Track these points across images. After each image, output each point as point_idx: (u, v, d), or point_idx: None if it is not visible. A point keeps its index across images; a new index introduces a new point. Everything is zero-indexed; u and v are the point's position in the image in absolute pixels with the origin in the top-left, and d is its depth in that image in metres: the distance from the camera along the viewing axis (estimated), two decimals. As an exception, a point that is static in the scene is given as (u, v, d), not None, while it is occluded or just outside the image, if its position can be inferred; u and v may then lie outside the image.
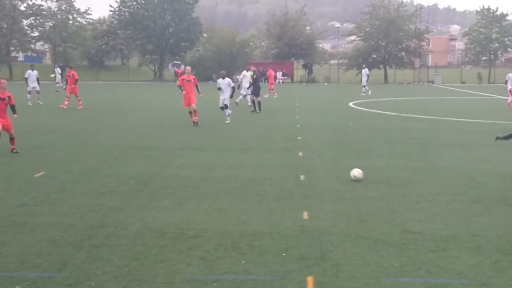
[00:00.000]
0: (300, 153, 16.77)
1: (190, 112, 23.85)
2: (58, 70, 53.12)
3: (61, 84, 51.51)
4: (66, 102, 31.94)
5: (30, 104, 34.90)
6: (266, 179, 13.05)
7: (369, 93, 46.81)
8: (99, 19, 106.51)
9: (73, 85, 32.29)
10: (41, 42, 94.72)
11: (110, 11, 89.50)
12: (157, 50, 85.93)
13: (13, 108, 16.75)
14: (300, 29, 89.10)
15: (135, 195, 11.51)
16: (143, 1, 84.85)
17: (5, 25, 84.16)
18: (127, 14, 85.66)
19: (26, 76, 36.53)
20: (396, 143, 18.89)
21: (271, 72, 48.42)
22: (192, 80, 24.03)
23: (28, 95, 35.91)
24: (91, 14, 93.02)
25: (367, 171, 13.24)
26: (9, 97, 16.52)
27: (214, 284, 6.94)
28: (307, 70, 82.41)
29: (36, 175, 13.34)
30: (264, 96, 44.38)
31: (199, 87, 24.32)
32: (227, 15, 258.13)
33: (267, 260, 7.72)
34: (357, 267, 7.47)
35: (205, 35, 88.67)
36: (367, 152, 17.15)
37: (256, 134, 21.24)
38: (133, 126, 23.41)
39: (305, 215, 9.98)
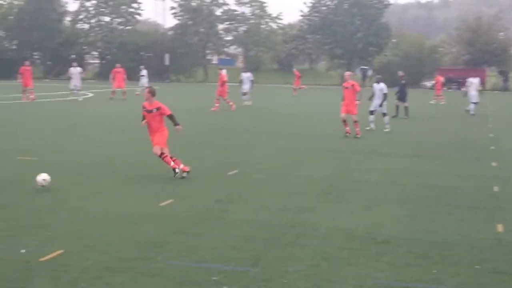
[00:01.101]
0: (494, 164, 16.12)
1: (345, 121, 21.37)
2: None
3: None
4: (216, 105, 32.72)
5: (248, 104, 36.51)
6: (457, 188, 12.71)
7: None
8: (289, 24, 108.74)
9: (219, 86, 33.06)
10: (234, 46, 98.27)
11: (301, 15, 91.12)
12: (345, 55, 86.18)
13: (172, 118, 13.41)
14: (493, 35, 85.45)
15: (324, 197, 11.67)
16: (333, 6, 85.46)
17: (202, 29, 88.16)
18: (317, 19, 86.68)
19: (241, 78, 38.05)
20: None
21: (439, 78, 46.94)
22: (351, 86, 21.62)
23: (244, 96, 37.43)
24: (282, 19, 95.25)
25: None
26: (158, 108, 13.35)
27: (404, 290, 6.89)
28: (503, 78, 78.82)
29: (230, 173, 13.90)
30: (430, 102, 43.39)
31: (358, 94, 21.74)
32: (416, 20, 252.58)
33: (459, 272, 7.53)
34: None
35: (393, 40, 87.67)
36: None
37: (446, 141, 20.70)
38: (317, 130, 23.62)
39: (500, 227, 9.60)
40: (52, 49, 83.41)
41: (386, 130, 23.54)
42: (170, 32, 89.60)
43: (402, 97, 30.33)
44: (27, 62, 39.44)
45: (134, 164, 15.08)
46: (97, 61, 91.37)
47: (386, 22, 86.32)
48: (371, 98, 24.27)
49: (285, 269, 7.47)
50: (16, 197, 11.15)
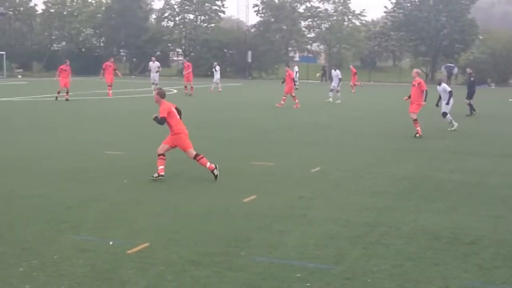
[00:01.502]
0: None
1: (415, 120, 20.69)
2: (296, 68, 55.03)
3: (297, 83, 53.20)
4: (282, 102, 32.69)
5: (338, 101, 36.54)
6: (547, 189, 12.32)
7: None
8: (373, 20, 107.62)
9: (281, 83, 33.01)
10: (317, 43, 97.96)
11: (385, 12, 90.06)
12: (430, 52, 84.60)
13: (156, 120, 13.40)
14: None
15: (408, 196, 11.52)
16: (418, 3, 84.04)
17: (285, 27, 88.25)
18: (401, 15, 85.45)
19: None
20: None
21: None
22: (417, 84, 20.87)
23: (330, 93, 37.44)
24: (365, 16, 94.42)
25: None
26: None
27: (492, 293, 6.74)
28: None
29: (313, 170, 13.90)
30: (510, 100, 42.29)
31: (424, 94, 20.95)
32: (504, 16, 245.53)
33: (551, 275, 7.31)
34: None
35: (480, 37, 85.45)
36: None
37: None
38: (398, 128, 23.28)
39: None
40: (138, 46, 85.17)
41: (451, 129, 22.86)
42: (252, 30, 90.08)
43: (471, 94, 29.75)
44: (111, 59, 40.62)
45: (217, 160, 15.24)
46: (181, 58, 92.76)
47: (473, 18, 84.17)
48: (438, 103, 23.94)
49: (369, 268, 7.42)
50: (105, 190, 11.46)
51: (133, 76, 77.49)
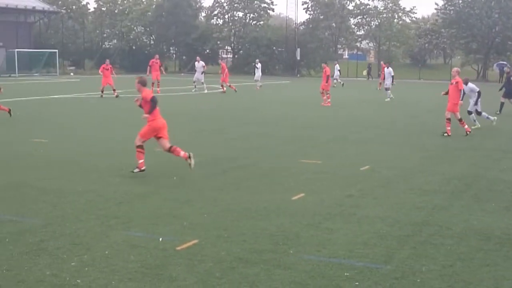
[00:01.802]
0: None
1: (449, 119, 20.40)
2: (337, 66, 54.53)
3: (339, 80, 52.77)
4: (328, 100, 32.56)
5: (387, 100, 36.38)
6: None
7: None
8: (423, 17, 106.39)
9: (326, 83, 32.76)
10: (366, 41, 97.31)
11: (435, 9, 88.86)
12: (482, 50, 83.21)
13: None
14: None
15: (459, 195, 11.37)
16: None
17: (334, 24, 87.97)
18: (452, 12, 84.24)
19: None
20: None
21: None
22: (455, 83, 20.55)
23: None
24: (415, 13, 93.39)
25: None
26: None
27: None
28: None
29: (362, 168, 13.82)
30: None
31: (462, 93, 20.56)
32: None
33: None
34: None
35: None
36: None
37: None
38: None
39: None
40: (187, 44, 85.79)
41: (474, 126, 22.32)
42: (301, 27, 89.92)
43: (508, 93, 29.18)
44: (156, 56, 41.17)
45: (267, 157, 15.29)
46: (230, 55, 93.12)
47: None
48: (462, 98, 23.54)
49: (418, 268, 7.35)
50: (155, 187, 11.59)
51: (182, 74, 78.07)
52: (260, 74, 47.62)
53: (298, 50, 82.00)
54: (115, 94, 34.88)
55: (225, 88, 41.20)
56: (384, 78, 46.88)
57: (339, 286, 6.77)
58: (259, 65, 47.84)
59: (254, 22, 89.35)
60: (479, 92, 22.89)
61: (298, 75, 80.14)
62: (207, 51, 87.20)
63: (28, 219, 9.18)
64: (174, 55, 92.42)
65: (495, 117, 23.35)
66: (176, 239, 8.29)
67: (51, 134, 18.93)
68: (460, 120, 20.60)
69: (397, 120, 25.42)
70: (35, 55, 68.92)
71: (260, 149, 16.66)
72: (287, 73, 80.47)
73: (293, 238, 8.42)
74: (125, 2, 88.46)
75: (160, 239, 8.25)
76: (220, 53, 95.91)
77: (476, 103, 22.93)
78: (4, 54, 66.19)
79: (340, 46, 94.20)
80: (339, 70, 54.69)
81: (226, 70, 42.45)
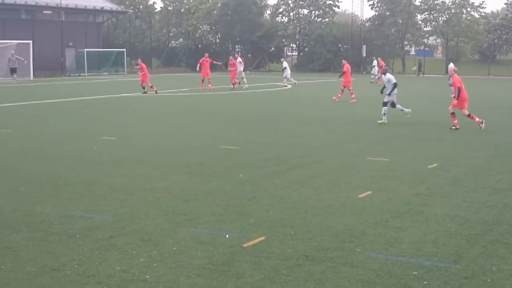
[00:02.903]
0: None
1: (453, 113, 20.80)
2: (375, 62, 53.32)
3: (377, 76, 51.67)
4: (339, 95, 32.90)
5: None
6: None
7: None
8: (492, 12, 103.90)
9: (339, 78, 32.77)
10: (434, 36, 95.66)
11: (505, 4, 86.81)
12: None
13: None
14: None
15: (531, 194, 11.09)
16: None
17: (400, 20, 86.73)
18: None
19: None
20: None
21: None
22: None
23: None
24: (485, 8, 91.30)
25: None
26: None
27: None
28: None
29: (430, 166, 13.61)
30: None
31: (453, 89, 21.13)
32: None
33: None
34: None
35: None
36: None
37: None
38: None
39: None
40: (252, 42, 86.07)
41: (380, 121, 22.21)
42: (367, 24, 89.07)
43: None
44: (206, 54, 43.21)
45: (332, 155, 15.21)
46: (295, 53, 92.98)
47: None
48: (382, 90, 23.19)
49: (489, 267, 7.20)
50: (221, 184, 11.67)
51: (247, 72, 78.34)
52: (289, 72, 47.63)
53: (364, 47, 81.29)
54: (145, 91, 36.36)
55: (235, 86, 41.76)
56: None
57: (407, 285, 6.68)
58: (285, 64, 48.23)
59: (319, 19, 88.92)
60: (395, 84, 22.50)
61: (364, 72, 79.43)
62: (272, 49, 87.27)
63: (98, 216, 9.37)
64: (239, 53, 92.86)
65: (410, 109, 22.88)
66: (243, 236, 8.34)
67: (119, 131, 19.27)
68: (469, 115, 20.73)
69: (464, 117, 24.91)
70: (104, 54, 70.28)
71: (325, 146, 16.59)
72: (352, 70, 79.67)
73: (360, 236, 8.35)
74: (191, 1, 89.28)
75: (227, 236, 8.31)
76: (285, 51, 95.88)
77: (389, 94, 22.51)
78: (74, 54, 67.74)
79: (406, 42, 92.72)
80: (375, 66, 53.23)
81: (236, 67, 42.55)
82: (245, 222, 9.03)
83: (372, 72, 51.98)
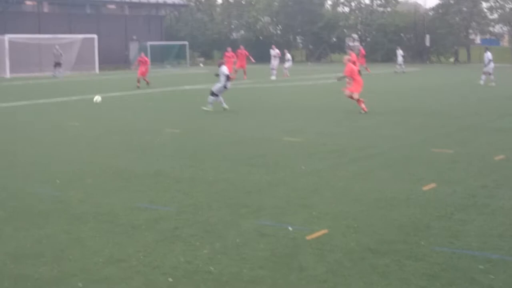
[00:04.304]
0: None
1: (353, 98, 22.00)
2: (400, 52, 51.90)
3: (403, 66, 50.35)
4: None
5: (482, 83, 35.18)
6: None
7: None
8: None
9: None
10: (500, 25, 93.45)
11: None
12: None
13: None
14: None
15: None
16: None
17: (465, 9, 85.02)
18: None
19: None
20: None
21: None
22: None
23: (483, 76, 36.08)
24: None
25: None
26: None
27: None
28: None
29: (496, 158, 13.32)
30: None
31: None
32: None
33: None
34: None
35: None
36: None
37: None
38: None
39: None
40: (314, 33, 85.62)
41: (205, 108, 22.57)
42: (430, 13, 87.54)
43: None
44: (240, 46, 44.31)
45: (396, 146, 15.05)
46: (357, 43, 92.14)
47: None
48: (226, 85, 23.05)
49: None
50: (283, 176, 11.68)
51: (309, 63, 78.05)
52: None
53: (428, 36, 79.94)
54: (138, 85, 35.44)
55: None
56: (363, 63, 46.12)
57: (474, 279, 6.58)
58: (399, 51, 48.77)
59: (381, 9, 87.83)
60: (227, 76, 22.66)
61: (428, 62, 78.19)
62: (334, 39, 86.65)
63: (163, 207, 9.50)
64: (301, 45, 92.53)
65: (227, 107, 22.85)
66: (306, 228, 8.34)
67: (182, 124, 19.45)
68: (358, 100, 21.90)
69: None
70: (167, 47, 71.00)
71: (388, 138, 16.41)
72: (416, 60, 78.66)
73: (424, 229, 8.25)
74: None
75: (290, 228, 8.32)
76: (346, 41, 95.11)
77: (223, 85, 22.71)
78: (137, 47, 68.71)
79: (471, 31, 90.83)
80: (402, 56, 51.91)
81: (235, 58, 42.49)
82: (307, 214, 9.03)
83: (398, 62, 51.13)
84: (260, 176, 11.68)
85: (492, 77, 35.68)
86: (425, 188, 10.62)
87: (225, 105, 22.77)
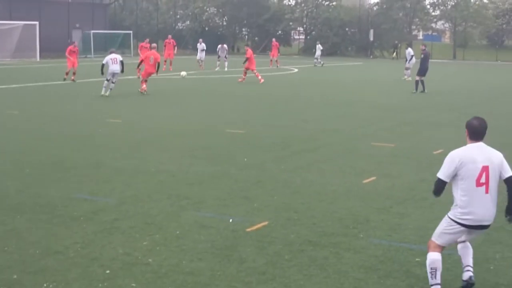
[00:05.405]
0: None
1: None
2: (319, 46, 52.87)
3: (319, 59, 51.26)
4: (243, 77, 33.81)
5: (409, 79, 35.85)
6: None
7: None
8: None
9: None
10: (442, 21, 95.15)
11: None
12: None
13: None
14: None
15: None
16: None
17: (409, 4, 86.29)
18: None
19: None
20: None
21: None
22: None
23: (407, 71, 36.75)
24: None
25: None
26: None
27: None
28: None
29: (435, 152, 13.55)
30: None
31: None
32: None
33: None
34: None
35: None
36: None
37: None
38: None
39: None
40: (259, 25, 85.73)
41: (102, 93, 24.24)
42: (375, 8, 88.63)
43: (422, 71, 28.66)
44: (169, 36, 45.18)
45: (338, 140, 15.19)
46: (302, 37, 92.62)
47: None
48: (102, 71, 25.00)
49: (491, 255, 7.22)
50: (226, 168, 11.66)
51: (254, 55, 78.07)
52: (319, 53, 50.22)
53: (372, 31, 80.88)
54: (73, 78, 32.91)
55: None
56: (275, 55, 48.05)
57: (410, 272, 6.69)
58: (319, 46, 50.02)
59: (327, 2, 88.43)
60: (121, 62, 25.11)
61: (371, 56, 79.14)
62: (279, 32, 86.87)
63: (103, 198, 9.39)
64: (246, 36, 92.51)
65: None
66: (246, 220, 8.35)
67: (125, 114, 19.24)
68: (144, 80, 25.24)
69: (474, 103, 24.83)
70: (111, 36, 70.09)
71: (331, 131, 16.56)
72: (360, 54, 79.56)
73: (363, 222, 8.36)
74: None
75: (230, 220, 8.32)
76: (292, 34, 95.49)
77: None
78: (80, 36, 67.62)
79: (414, 27, 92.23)
80: (321, 50, 52.85)
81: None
82: (249, 207, 9.04)
83: (315, 56, 52.16)
84: (202, 168, 11.64)
85: (409, 72, 36.50)
86: (366, 181, 10.75)
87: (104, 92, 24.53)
